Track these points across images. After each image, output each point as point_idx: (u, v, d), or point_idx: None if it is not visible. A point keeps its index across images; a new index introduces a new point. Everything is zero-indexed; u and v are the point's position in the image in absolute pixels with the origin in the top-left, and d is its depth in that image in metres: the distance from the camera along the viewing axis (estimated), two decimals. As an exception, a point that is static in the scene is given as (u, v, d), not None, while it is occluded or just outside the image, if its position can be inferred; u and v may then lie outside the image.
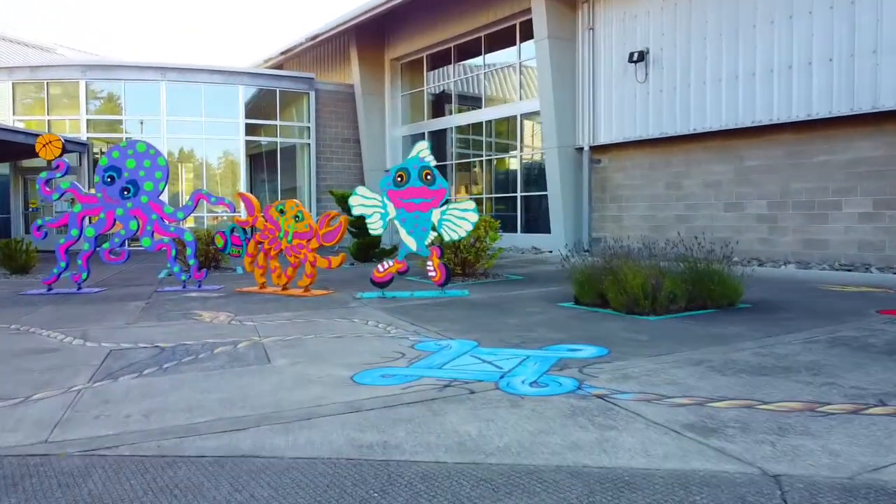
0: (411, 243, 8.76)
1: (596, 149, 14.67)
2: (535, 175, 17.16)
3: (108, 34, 78.18)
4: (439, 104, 21.02)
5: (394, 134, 21.89)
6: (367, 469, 2.83)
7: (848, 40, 10.42)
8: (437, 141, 20.05)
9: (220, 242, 9.88)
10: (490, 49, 18.35)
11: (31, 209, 19.11)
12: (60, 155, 9.73)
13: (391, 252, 14.59)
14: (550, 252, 15.41)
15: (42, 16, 62.82)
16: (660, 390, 3.96)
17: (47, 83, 18.33)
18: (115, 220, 9.67)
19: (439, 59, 20.41)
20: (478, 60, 18.86)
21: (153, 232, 9.73)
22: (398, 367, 4.71)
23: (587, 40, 14.59)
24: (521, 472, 2.77)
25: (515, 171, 17.83)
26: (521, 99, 17.22)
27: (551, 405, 3.70)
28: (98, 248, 9.80)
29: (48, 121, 18.36)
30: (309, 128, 20.89)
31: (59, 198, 9.79)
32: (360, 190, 8.96)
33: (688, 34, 12.65)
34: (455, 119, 19.68)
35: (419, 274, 10.63)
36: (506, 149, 18.79)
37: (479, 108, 19.06)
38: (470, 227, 8.64)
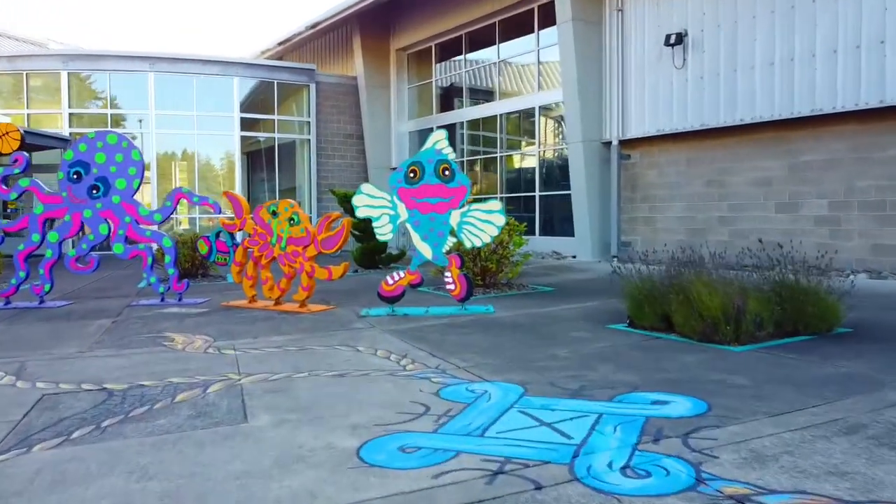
0: (426, 250, 7.40)
1: (625, 143, 13.27)
2: (555, 173, 15.78)
3: (100, 30, 76.98)
4: (448, 97, 19.64)
5: (400, 129, 20.52)
6: None
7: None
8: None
9: (203, 249, 8.55)
10: (505, 36, 16.95)
11: (10, 210, 17.76)
12: (20, 148, 8.41)
13: (399, 257, 13.22)
14: (574, 257, 14.02)
15: (35, 14, 61.64)
16: (825, 487, 2.60)
17: (26, 74, 16.97)
18: (82, 224, 8.35)
19: (449, 49, 19.02)
20: (491, 49, 17.47)
21: (126, 237, 8.41)
22: (422, 434, 3.36)
23: (616, 23, 13.19)
24: None
25: (533, 168, 16.44)
26: (539, 89, 15.83)
27: (676, 524, 2.35)
28: (63, 255, 8.48)
29: (27, 115, 17.02)
30: (309, 123, 19.51)
31: (17, 197, 8.46)
32: (366, 188, 7.59)
33: (734, 12, 11.24)
34: (466, 113, 18.28)
35: (433, 283, 9.29)
36: (522, 144, 17.40)
37: (493, 100, 17.68)
38: (495, 232, 7.29)
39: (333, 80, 20.11)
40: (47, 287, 8.42)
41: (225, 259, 8.49)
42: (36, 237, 8.36)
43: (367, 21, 19.56)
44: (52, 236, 8.38)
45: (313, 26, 20.59)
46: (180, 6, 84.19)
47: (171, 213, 8.56)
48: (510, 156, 17.55)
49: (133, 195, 8.39)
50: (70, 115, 16.88)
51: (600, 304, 7.77)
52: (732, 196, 11.57)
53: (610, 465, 2.87)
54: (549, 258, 14.21)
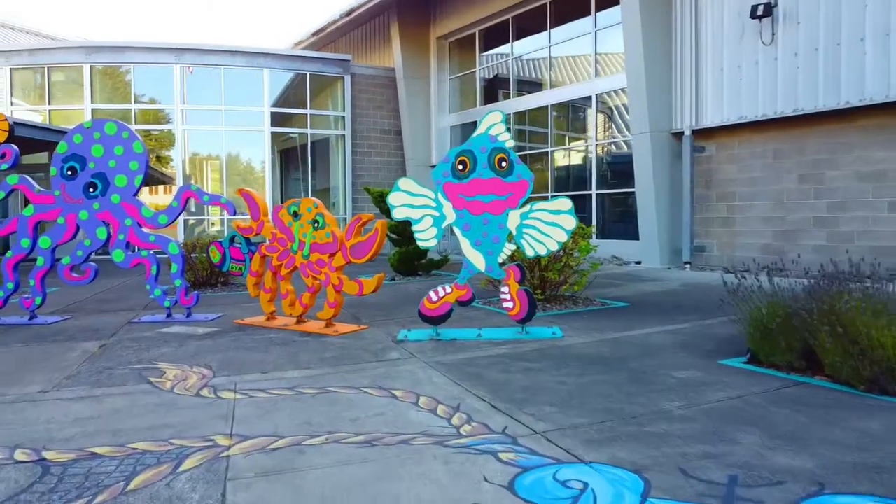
0: (478, 260, 5.99)
1: (699, 133, 11.61)
2: (615, 168, 14.17)
3: (124, 24, 77.31)
4: (493, 88, 18.15)
5: (440, 124, 19.12)
6: None
7: None
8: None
9: (216, 257, 7.29)
10: (558, 20, 15.38)
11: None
12: (7, 140, 7.29)
13: (442, 263, 11.82)
14: (638, 263, 12.43)
15: (52, 8, 61.83)
16: None
17: (48, 68, 16.08)
18: (77, 227, 7.20)
19: (494, 35, 17.53)
20: (542, 35, 15.93)
21: (128, 242, 7.22)
22: None
23: (689, -5, 11.56)
24: None
25: (587, 163, 14.84)
26: (596, 76, 14.23)
27: None
28: (56, 263, 7.34)
29: (49, 111, 16.14)
30: (344, 117, 18.26)
31: (4, 197, 7.34)
32: (404, 183, 6.19)
33: (836, -25, 9.53)
34: (513, 104, 16.74)
35: (481, 294, 7.88)
36: (576, 138, 15.82)
37: (542, 90, 16.13)
38: (564, 238, 5.82)
39: (369, 72, 18.82)
40: (38, 300, 7.29)
41: (240, 268, 7.23)
42: (26, 242, 7.23)
43: (405, 7, 18.21)
44: (44, 242, 7.24)
45: (349, 13, 19.34)
46: (212, 3, 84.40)
47: (179, 214, 7.32)
48: (562, 151, 15.98)
49: (135, 194, 7.20)
50: (93, 110, 15.92)
51: (696, 328, 6.25)
52: (832, 193, 9.85)
53: None
54: (608, 264, 12.64)
